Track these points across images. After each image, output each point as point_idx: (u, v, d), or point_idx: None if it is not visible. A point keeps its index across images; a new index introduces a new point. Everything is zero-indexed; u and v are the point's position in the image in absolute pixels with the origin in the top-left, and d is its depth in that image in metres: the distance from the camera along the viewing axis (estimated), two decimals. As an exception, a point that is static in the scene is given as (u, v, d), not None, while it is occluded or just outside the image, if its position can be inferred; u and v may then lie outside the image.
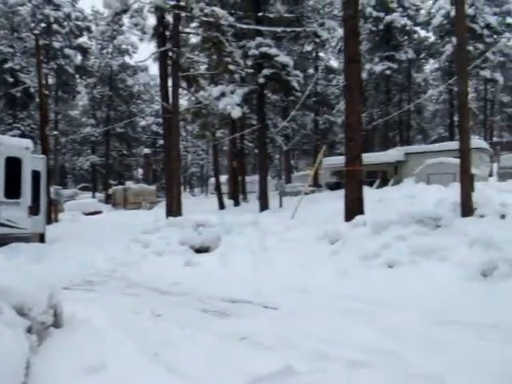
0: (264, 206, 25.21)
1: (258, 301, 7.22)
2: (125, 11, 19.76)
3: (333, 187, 34.81)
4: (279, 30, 24.41)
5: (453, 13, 13.04)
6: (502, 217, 10.78)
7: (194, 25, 24.01)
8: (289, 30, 25.15)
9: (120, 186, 47.81)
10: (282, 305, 6.88)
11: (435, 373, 4.11)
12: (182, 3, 18.87)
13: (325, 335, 5.29)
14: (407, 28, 47.89)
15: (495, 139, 65.48)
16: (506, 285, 6.88)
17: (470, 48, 43.02)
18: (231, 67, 22.41)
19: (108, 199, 50.13)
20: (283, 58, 24.07)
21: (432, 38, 49.74)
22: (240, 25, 21.75)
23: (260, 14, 24.49)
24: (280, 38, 29.37)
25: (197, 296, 7.85)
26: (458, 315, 5.74)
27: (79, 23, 52.21)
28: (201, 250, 12.40)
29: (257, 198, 26.81)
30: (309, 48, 47.33)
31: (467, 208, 10.91)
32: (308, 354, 4.74)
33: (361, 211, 12.82)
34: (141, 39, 25.46)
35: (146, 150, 58.38)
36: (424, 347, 4.77)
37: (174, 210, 19.26)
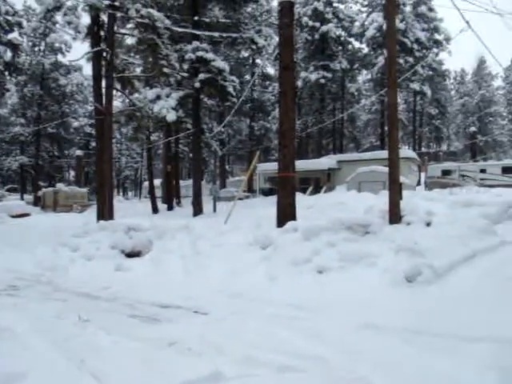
0: (198, 210, 25.09)
1: (189, 306, 7.18)
2: (58, 8, 19.29)
3: (267, 193, 35.12)
4: (216, 34, 24.41)
5: (385, 26, 13.46)
6: (428, 224, 11.17)
7: (129, 26, 23.63)
8: (225, 35, 25.18)
9: (50, 188, 46.32)
10: (213, 310, 6.87)
11: (361, 376, 4.21)
12: (117, 3, 18.56)
13: (254, 340, 5.32)
14: (342, 39, 49.06)
15: (423, 150, 67.93)
16: (429, 290, 7.14)
17: (401, 61, 44.55)
18: (166, 70, 22.22)
19: (37, 201, 48.50)
20: (220, 63, 24.08)
21: (365, 49, 51.08)
22: (176, 28, 21.60)
23: (197, 18, 24.41)
24: (217, 42, 29.35)
25: (126, 301, 7.72)
26: (384, 320, 5.90)
27: (9, 18, 50.37)
28: (132, 254, 12.21)
29: (191, 203, 26.63)
30: (246, 54, 47.55)
31: (395, 215, 11.23)
32: (237, 359, 4.76)
33: (293, 217, 12.97)
34: (74, 38, 24.88)
35: (79, 152, 56.83)
36: (350, 351, 4.88)
37: (105, 213, 18.87)
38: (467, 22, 14.08)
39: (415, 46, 47.73)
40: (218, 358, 4.77)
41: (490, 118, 74.37)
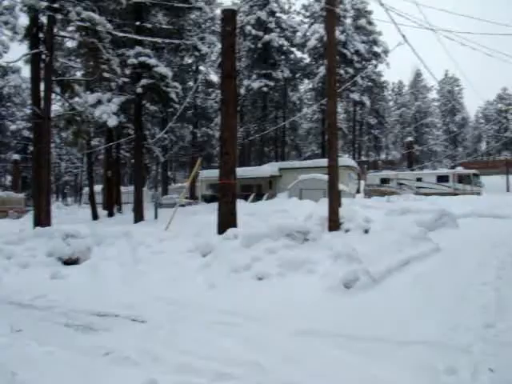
0: (139, 217, 24.68)
1: (127, 314, 7.02)
2: (-7, 8, 18.59)
3: (209, 200, 34.98)
4: (159, 40, 24.17)
5: (326, 37, 13.64)
6: (366, 231, 11.41)
7: (70, 29, 23.07)
8: (167, 41, 24.96)
9: (-16, 194, 44.64)
10: (152, 318, 6.75)
11: (295, 382, 4.23)
12: (57, 5, 18.10)
13: (192, 348, 5.26)
14: (284, 48, 49.59)
15: (363, 158, 69.36)
16: (366, 296, 7.26)
17: (341, 72, 45.44)
18: (108, 75, 21.82)
19: (-30, 207, 46.61)
20: (162, 68, 23.83)
21: (307, 59, 51.82)
22: (118, 33, 21.26)
23: (140, 23, 24.10)
24: (160, 48, 29.11)
25: (62, 310, 7.48)
26: (321, 326, 5.95)
27: None
28: (70, 261, 11.87)
29: (132, 210, 26.19)
30: (189, 61, 47.34)
31: (334, 223, 11.41)
32: (174, 367, 4.70)
33: (234, 224, 12.97)
34: (11, 39, 24.10)
35: (16, 156, 55.00)
36: (286, 357, 4.90)
37: (42, 219, 18.29)
38: (403, 36, 14.47)
39: (355, 58, 48.87)
40: (155, 367, 4.69)
41: (426, 129, 76.81)
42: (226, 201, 13.53)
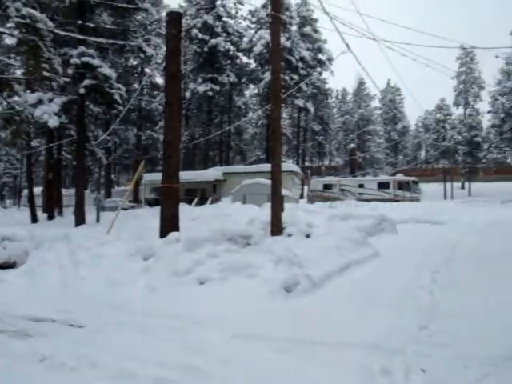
0: (80, 220, 24.13)
1: (64, 319, 6.86)
2: None
3: (152, 203, 34.62)
4: (103, 40, 23.74)
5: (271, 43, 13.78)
6: (308, 236, 11.55)
7: (10, 25, 22.38)
8: (111, 41, 24.56)
9: None
10: (90, 322, 6.61)
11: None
12: (-6, 0, 17.55)
13: (131, 352, 5.20)
14: (230, 53, 49.73)
15: (307, 164, 70.20)
16: (306, 299, 7.35)
17: (287, 78, 45.89)
18: (49, 74, 21.27)
19: None
20: (106, 69, 23.42)
21: (253, 64, 52.12)
22: (60, 31, 20.77)
23: (83, 22, 23.63)
24: (105, 49, 28.62)
25: (-4, 315, 7.24)
26: (261, 330, 5.98)
27: None
28: (6, 265, 11.49)
29: (73, 213, 25.59)
30: (134, 62, 46.78)
31: (276, 227, 11.50)
32: (111, 372, 4.63)
33: (176, 228, 12.87)
34: None
35: (-50, 156, 53.06)
36: (224, 361, 4.90)
37: (-23, 222, 17.67)
38: (347, 45, 14.76)
39: (300, 64, 49.50)
40: (92, 373, 4.61)
41: (368, 136, 78.47)
42: (169, 204, 13.42)
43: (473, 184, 70.89)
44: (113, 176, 60.63)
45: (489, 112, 67.52)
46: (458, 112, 75.89)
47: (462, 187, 74.78)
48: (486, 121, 72.56)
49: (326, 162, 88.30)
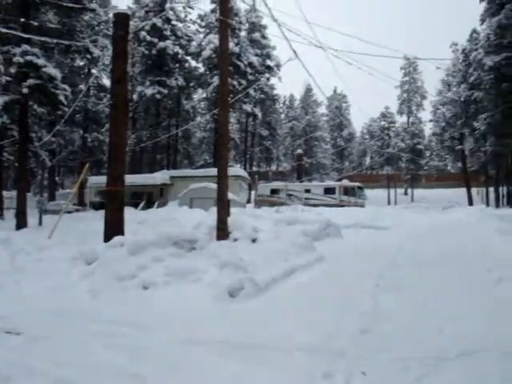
0: (22, 223, 23.40)
1: (0, 326, 6.60)
2: None
3: (97, 207, 33.93)
4: (48, 40, 23.13)
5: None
6: (253, 241, 11.56)
7: None
8: (56, 41, 23.99)
9: None
10: (29, 329, 6.37)
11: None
12: None
13: (72, 360, 5.05)
14: (179, 56, 49.44)
15: (254, 169, 70.45)
16: (251, 304, 7.34)
17: (235, 83, 45.97)
18: (-11, 72, 20.61)
19: None
20: (51, 69, 22.85)
21: (202, 68, 51.93)
22: (1, 29, 20.15)
23: (27, 20, 22.98)
24: (50, 48, 27.91)
25: None
26: (205, 335, 5.93)
27: None
28: None
29: (14, 215, 24.79)
30: (81, 63, 45.84)
31: (222, 232, 11.45)
32: (51, 381, 4.48)
33: (121, 232, 12.64)
34: None
35: None
36: (170, 367, 4.83)
37: None
38: (294, 52, 14.91)
39: (249, 70, 49.70)
40: (29, 381, 4.45)
41: (315, 142, 79.49)
42: (114, 208, 13.18)
43: (415, 190, 72.90)
44: (57, 178, 59.22)
45: (430, 121, 69.90)
46: (401, 120, 78.13)
47: (405, 193, 76.77)
48: (428, 129, 75.04)
49: (274, 167, 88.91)
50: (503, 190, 52.85)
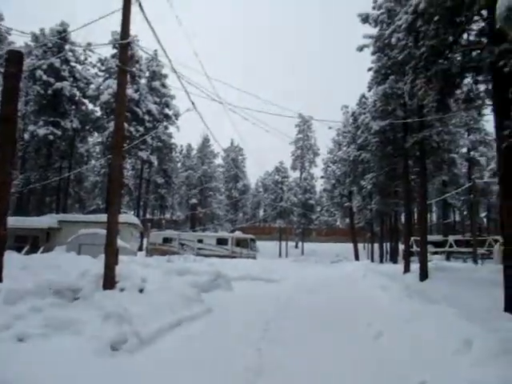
0: None
1: None
2: None
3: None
4: None
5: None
6: (141, 291, 11.20)
7: None
8: None
9: None
10: None
11: None
12: None
13: None
14: (76, 98, 48.40)
15: (148, 216, 69.34)
16: (134, 357, 7.05)
17: (132, 129, 45.55)
18: None
19: None
20: None
21: (99, 112, 50.98)
22: None
23: None
24: None
25: None
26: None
27: None
28: None
29: None
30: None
31: (109, 281, 11.01)
32: None
33: (-1, 278, 11.80)
34: None
35: None
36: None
37: None
38: (193, 103, 15.08)
39: (147, 117, 49.44)
40: None
41: (210, 192, 79.72)
42: (-8, 252, 12.31)
43: (306, 244, 74.89)
44: None
45: (322, 177, 73.04)
46: (294, 175, 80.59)
47: (296, 246, 78.61)
48: (320, 185, 77.87)
49: (168, 216, 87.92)
50: (387, 246, 55.54)
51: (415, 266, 21.25)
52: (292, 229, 77.23)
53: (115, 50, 48.17)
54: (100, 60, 51.76)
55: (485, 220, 67.70)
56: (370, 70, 27.29)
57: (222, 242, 47.07)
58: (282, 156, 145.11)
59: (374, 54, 25.83)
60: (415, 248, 33.29)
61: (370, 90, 31.20)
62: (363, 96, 52.19)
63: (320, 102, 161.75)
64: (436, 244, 39.39)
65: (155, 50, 48.67)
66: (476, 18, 13.34)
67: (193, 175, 79.92)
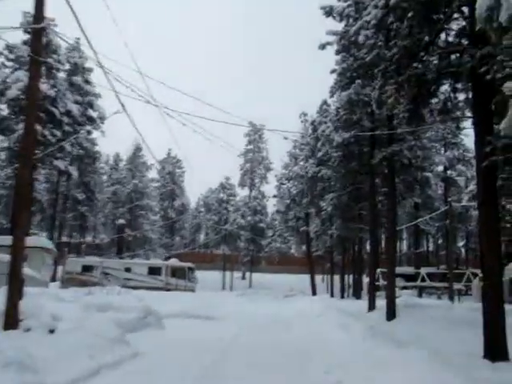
0: None
1: None
2: None
3: None
4: None
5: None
6: (52, 331, 10.93)
7: None
8: None
9: None
10: None
11: None
12: None
13: None
14: (-25, 93, 47.32)
15: (65, 239, 67.94)
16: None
17: (47, 133, 44.75)
18: None
19: None
20: None
21: (5, 111, 49.87)
22: None
23: None
24: None
25: None
26: None
27: None
28: None
29: None
30: None
31: (12, 319, 10.70)
32: None
33: None
34: None
35: None
36: None
37: None
38: (122, 105, 14.82)
39: (65, 119, 48.66)
40: None
41: (142, 212, 78.86)
42: None
43: (255, 274, 74.93)
44: None
45: (274, 196, 72.73)
46: (242, 193, 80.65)
47: (243, 277, 78.54)
48: (272, 205, 77.81)
49: (89, 239, 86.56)
50: (349, 278, 56.10)
51: (381, 303, 21.56)
52: (239, 256, 77.34)
53: (28, 36, 47.33)
54: (8, 47, 50.66)
55: (463, 250, 69.35)
56: (333, 72, 27.53)
57: (154, 271, 46.58)
58: (229, 171, 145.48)
59: (338, 53, 26.17)
60: (382, 281, 33.79)
61: (332, 96, 31.23)
62: (325, 102, 52.82)
63: (275, 108, 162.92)
64: (406, 277, 40.06)
65: (77, 38, 48.29)
66: (456, 15, 13.69)
67: (121, 190, 79.00)
